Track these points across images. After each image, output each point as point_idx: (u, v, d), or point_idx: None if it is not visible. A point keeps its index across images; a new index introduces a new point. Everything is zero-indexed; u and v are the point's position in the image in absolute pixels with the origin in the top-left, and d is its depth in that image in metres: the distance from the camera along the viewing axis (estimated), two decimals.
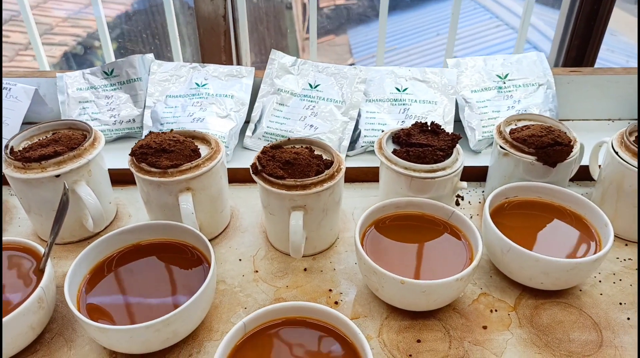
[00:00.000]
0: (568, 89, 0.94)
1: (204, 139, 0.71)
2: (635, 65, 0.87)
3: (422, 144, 0.69)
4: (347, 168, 0.77)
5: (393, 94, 0.89)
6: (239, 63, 1.10)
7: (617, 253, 0.71)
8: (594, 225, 0.66)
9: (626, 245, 0.72)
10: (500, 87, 0.90)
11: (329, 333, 0.52)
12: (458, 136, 0.70)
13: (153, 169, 0.64)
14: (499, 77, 0.91)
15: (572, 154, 0.70)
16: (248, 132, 0.89)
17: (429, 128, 0.72)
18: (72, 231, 0.71)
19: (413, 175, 0.66)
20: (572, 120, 0.98)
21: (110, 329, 0.52)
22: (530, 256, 0.59)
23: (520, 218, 0.69)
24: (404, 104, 0.88)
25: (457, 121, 0.90)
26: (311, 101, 0.88)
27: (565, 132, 0.73)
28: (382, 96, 0.89)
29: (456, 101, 0.89)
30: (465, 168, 0.84)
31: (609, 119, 0.98)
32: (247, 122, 0.90)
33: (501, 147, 0.72)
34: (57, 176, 0.64)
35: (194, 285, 0.58)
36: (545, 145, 0.69)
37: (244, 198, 0.81)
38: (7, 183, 0.79)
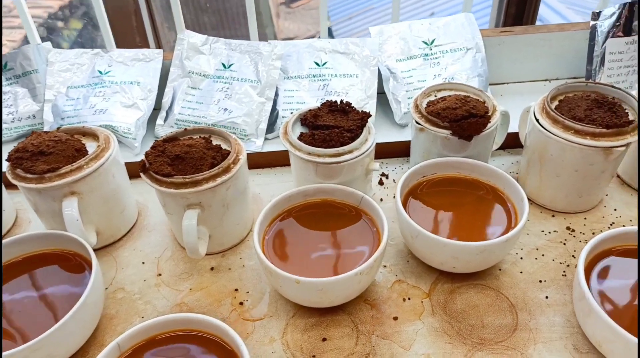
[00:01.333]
0: (500, 50, 0.89)
1: (94, 136, 0.65)
2: (581, 20, 0.81)
3: (329, 125, 0.64)
4: (265, 152, 0.71)
5: (312, 70, 0.83)
6: (159, 45, 1.03)
7: (542, 225, 0.68)
8: (512, 199, 0.62)
9: (553, 216, 0.69)
10: (426, 55, 0.85)
11: (211, 346, 0.48)
12: (368, 114, 0.66)
13: (29, 176, 0.58)
14: (425, 43, 0.86)
15: (489, 125, 0.65)
16: (159, 121, 0.83)
17: (338, 107, 0.67)
18: None
19: (318, 161, 0.61)
20: (506, 83, 0.93)
21: None
22: (438, 241, 0.55)
23: (438, 196, 0.65)
24: (323, 80, 0.82)
25: (383, 93, 0.85)
26: (225, 83, 0.83)
27: (485, 102, 0.68)
28: (300, 72, 0.83)
29: (380, 72, 0.84)
30: (390, 143, 0.80)
31: (546, 80, 0.93)
32: (158, 109, 0.84)
33: (417, 122, 0.68)
34: None
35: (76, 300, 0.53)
36: (459, 118, 0.64)
37: (153, 194, 0.75)
38: None
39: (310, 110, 0.67)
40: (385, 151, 0.79)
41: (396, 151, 0.79)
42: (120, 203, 0.67)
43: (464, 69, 0.83)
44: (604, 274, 0.54)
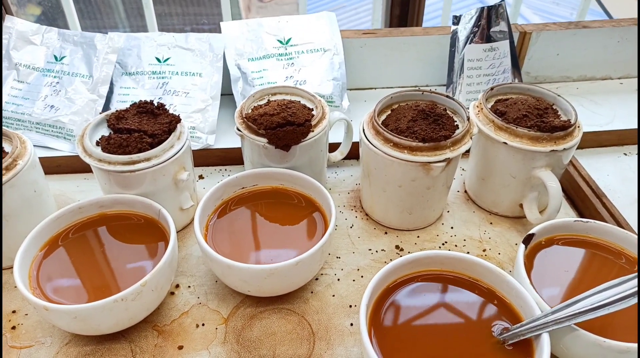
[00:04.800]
0: (362, 54, 0.84)
1: None
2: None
3: (131, 129, 0.58)
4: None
5: (152, 66, 0.76)
6: None
7: (372, 243, 0.63)
8: (327, 214, 0.57)
9: (385, 233, 0.64)
10: (281, 54, 0.79)
11: None
12: (177, 117, 0.59)
13: None
14: (280, 42, 0.80)
15: (311, 135, 0.60)
16: None
17: (147, 109, 0.60)
18: None
19: (109, 169, 0.55)
20: (373, 89, 0.88)
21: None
22: (224, 264, 0.49)
23: (256, 209, 0.59)
24: (163, 78, 0.75)
25: (231, 94, 0.79)
26: (55, 77, 0.75)
27: (312, 109, 0.63)
28: (140, 68, 0.76)
29: (229, 71, 0.78)
30: (232, 149, 0.74)
31: (415, 87, 0.89)
32: None
33: (237, 128, 0.62)
34: None
35: None
36: (275, 125, 0.59)
37: None
38: None
39: (116, 111, 0.60)
40: (228, 158, 0.74)
41: (233, 159, 0.73)
42: None
43: (318, 72, 0.78)
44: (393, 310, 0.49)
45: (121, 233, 0.56)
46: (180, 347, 0.51)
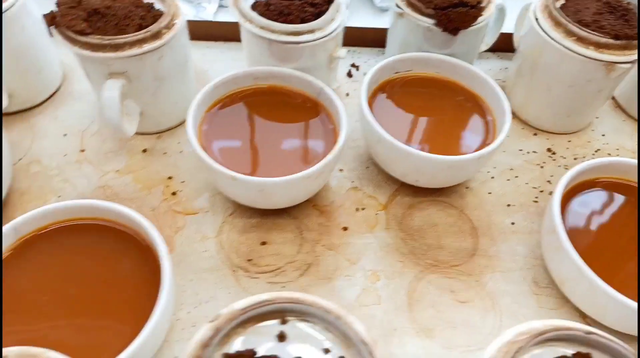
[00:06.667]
0: None
1: None
2: None
3: None
4: (218, 22, 0.61)
5: None
6: None
7: (521, 143, 0.61)
8: (494, 111, 0.54)
9: (535, 134, 0.62)
10: None
11: (124, 241, 0.41)
12: None
13: None
14: None
15: (480, 19, 0.55)
16: None
17: None
18: None
19: (271, 38, 0.51)
20: None
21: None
22: (402, 150, 0.47)
23: (411, 97, 0.56)
24: None
25: None
26: None
27: None
28: None
29: None
30: (365, 29, 0.69)
31: None
32: None
33: (397, 5, 0.57)
34: None
35: None
36: (447, 5, 0.54)
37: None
38: None
39: None
40: (358, 39, 0.69)
41: (371, 39, 0.69)
42: (36, 61, 0.56)
43: None
44: (580, 207, 0.48)
45: (279, 109, 0.53)
46: (345, 228, 0.51)
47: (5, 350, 0.28)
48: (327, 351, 0.31)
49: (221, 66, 0.65)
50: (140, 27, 0.48)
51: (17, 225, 0.39)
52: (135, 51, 0.47)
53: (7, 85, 0.54)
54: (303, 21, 0.51)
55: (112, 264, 0.40)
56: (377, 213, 0.53)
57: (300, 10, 0.52)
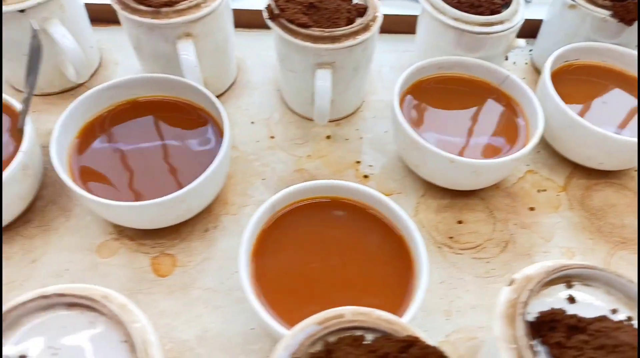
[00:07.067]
0: None
1: None
2: None
3: None
4: (388, 15, 0.63)
5: None
6: None
7: None
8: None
9: None
10: None
11: (369, 218, 0.45)
12: None
13: (142, 8, 0.50)
14: None
15: None
16: None
17: None
18: (51, 81, 0.59)
19: (464, 28, 0.54)
20: None
21: (114, 205, 0.43)
22: (598, 135, 0.50)
23: (578, 85, 0.59)
24: None
25: None
26: None
27: None
28: None
29: None
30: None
31: None
32: None
33: None
34: (22, 11, 0.51)
35: (204, 153, 0.48)
36: None
37: (253, 48, 0.68)
38: None
39: None
40: None
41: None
42: (228, 53, 0.60)
43: None
44: None
45: (460, 97, 0.56)
46: (532, 209, 0.54)
47: None
48: (614, 311, 0.34)
49: (389, 57, 0.68)
50: (349, 20, 0.51)
51: (274, 202, 0.43)
52: (350, 42, 0.50)
53: (204, 75, 0.57)
54: (492, 13, 0.54)
55: (359, 239, 0.44)
56: (558, 194, 0.56)
57: (490, 2, 0.55)
